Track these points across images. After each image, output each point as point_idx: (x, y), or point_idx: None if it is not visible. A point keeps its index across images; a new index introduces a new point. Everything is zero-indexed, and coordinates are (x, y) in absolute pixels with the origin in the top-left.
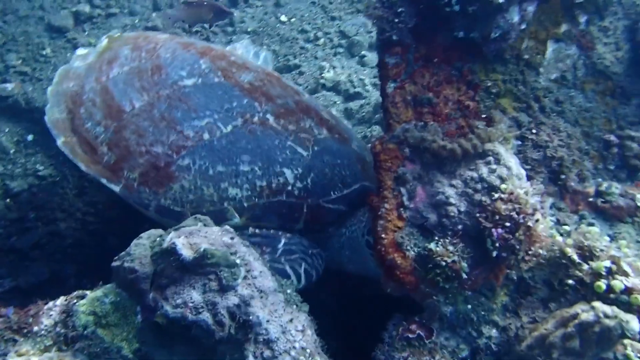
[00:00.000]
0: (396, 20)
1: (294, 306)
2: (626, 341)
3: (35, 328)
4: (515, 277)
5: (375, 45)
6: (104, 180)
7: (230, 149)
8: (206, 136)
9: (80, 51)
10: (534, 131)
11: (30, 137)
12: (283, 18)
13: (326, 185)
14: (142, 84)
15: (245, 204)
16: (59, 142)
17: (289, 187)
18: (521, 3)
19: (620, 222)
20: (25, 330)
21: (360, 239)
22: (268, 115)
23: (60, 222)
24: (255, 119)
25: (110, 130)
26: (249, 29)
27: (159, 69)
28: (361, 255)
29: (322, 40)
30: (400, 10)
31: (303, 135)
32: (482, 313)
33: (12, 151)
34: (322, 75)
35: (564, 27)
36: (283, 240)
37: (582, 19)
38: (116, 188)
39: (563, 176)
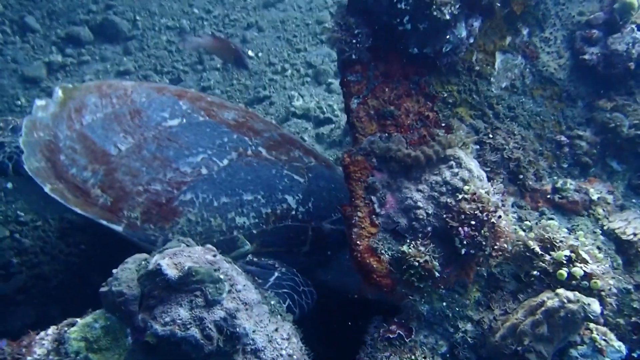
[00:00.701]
0: (354, 41)
1: (279, 316)
2: (592, 326)
3: (29, 358)
4: (485, 274)
5: (337, 65)
6: (104, 222)
7: (231, 181)
8: (204, 171)
9: (39, 102)
10: (490, 136)
11: (9, 185)
12: (250, 53)
13: (326, 208)
14: (123, 127)
15: (254, 231)
16: (47, 189)
17: (293, 212)
18: (467, 19)
19: (577, 215)
20: None
21: None
22: (260, 148)
23: (44, 265)
24: (249, 151)
25: (100, 174)
26: (218, 66)
27: (138, 112)
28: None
29: (289, 71)
30: (357, 31)
31: (296, 164)
32: (457, 309)
33: None
34: (292, 104)
35: (508, 40)
36: (276, 274)
37: (525, 31)
38: (119, 228)
39: (521, 176)
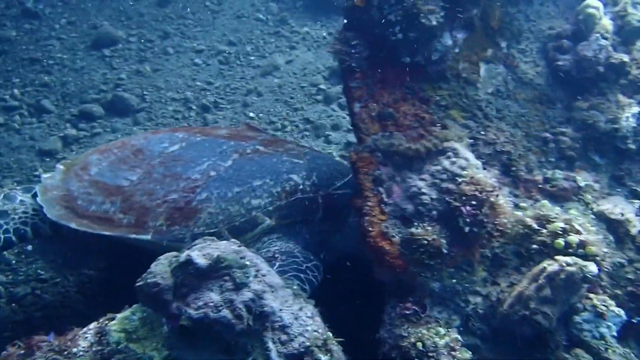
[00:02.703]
0: (352, 51)
1: (301, 299)
2: (592, 295)
3: (74, 349)
4: (489, 254)
5: (340, 73)
6: (133, 235)
7: (239, 175)
8: (213, 173)
9: (46, 174)
10: (482, 132)
11: (29, 247)
12: (251, 114)
13: (329, 178)
14: (129, 165)
15: (270, 208)
16: (74, 225)
17: (301, 186)
18: (451, 31)
19: (567, 201)
20: (66, 352)
21: None
22: (257, 146)
23: (64, 318)
24: (248, 150)
25: (118, 203)
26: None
27: (140, 151)
28: None
29: (289, 127)
30: (354, 43)
31: (292, 152)
32: (466, 285)
33: (13, 262)
34: None
35: (490, 51)
36: (277, 264)
37: (503, 44)
38: (147, 237)
39: (513, 168)
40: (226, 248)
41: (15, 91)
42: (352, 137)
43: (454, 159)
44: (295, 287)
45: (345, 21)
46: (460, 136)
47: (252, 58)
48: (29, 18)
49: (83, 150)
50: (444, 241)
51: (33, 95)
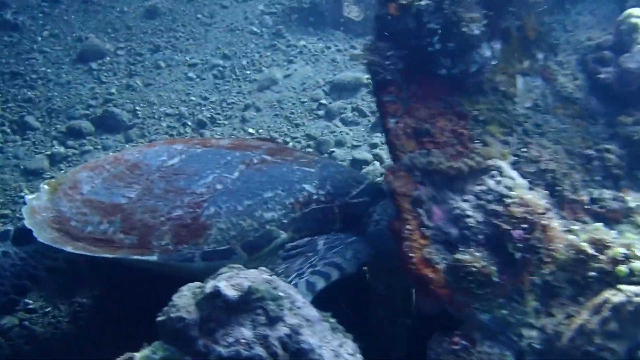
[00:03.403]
0: (387, 62)
1: (339, 333)
2: None
3: None
4: (540, 282)
5: (372, 87)
6: (137, 257)
7: (248, 187)
8: (219, 186)
9: (30, 196)
10: (523, 149)
11: None
12: (251, 130)
13: (344, 186)
14: (126, 181)
15: (285, 221)
16: (69, 249)
17: (315, 196)
18: (489, 41)
19: (617, 223)
20: None
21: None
22: (264, 156)
23: (57, 351)
24: (255, 160)
25: (117, 222)
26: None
27: (136, 165)
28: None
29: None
30: (389, 54)
31: (302, 160)
32: (518, 317)
33: None
34: None
35: (526, 63)
36: (321, 241)
37: (540, 55)
38: (153, 257)
39: (558, 187)
40: (256, 278)
41: None
42: (357, 154)
43: (499, 178)
44: (332, 321)
45: (378, 31)
46: (503, 153)
47: (248, 72)
48: (8, 30)
49: (72, 168)
50: (494, 268)
51: (16, 111)
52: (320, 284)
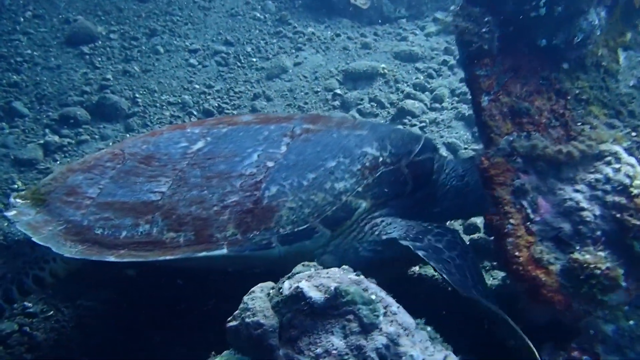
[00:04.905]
0: (483, 30)
1: (438, 343)
2: None
3: None
4: None
5: (461, 61)
6: (203, 253)
7: (304, 159)
8: (270, 163)
9: (10, 213)
10: (633, 134)
11: None
12: None
13: (405, 144)
14: (146, 176)
15: (360, 189)
16: (111, 259)
17: (380, 159)
18: (596, 7)
19: None
20: None
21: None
22: (304, 125)
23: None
24: (298, 131)
25: (159, 220)
26: None
27: (150, 157)
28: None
29: None
30: (486, 19)
31: (346, 124)
32: None
33: None
34: None
35: (629, 36)
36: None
37: None
38: (223, 251)
39: None
40: (342, 278)
41: None
42: None
43: (616, 165)
44: (429, 329)
45: None
46: (616, 137)
47: (254, 60)
48: None
49: (68, 159)
50: (620, 270)
51: (1, 97)
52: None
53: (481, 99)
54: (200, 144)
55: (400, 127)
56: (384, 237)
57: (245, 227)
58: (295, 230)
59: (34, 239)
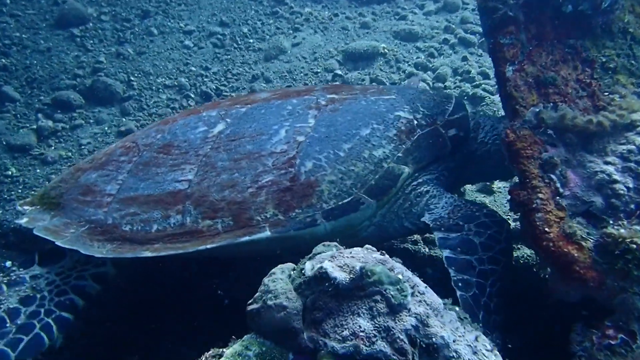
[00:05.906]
0: None
1: (468, 324)
2: None
3: None
4: None
5: (484, 30)
6: (245, 238)
7: (336, 129)
8: (301, 138)
9: (23, 220)
10: None
11: (8, 264)
12: None
13: (437, 104)
14: (168, 166)
15: (400, 154)
16: (147, 254)
17: (415, 122)
18: None
19: None
20: None
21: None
22: (328, 95)
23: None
24: (323, 102)
25: (191, 209)
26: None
27: (169, 145)
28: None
29: None
30: None
31: (371, 90)
32: None
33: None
34: None
35: None
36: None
37: None
38: (266, 233)
39: None
40: (367, 257)
41: None
42: None
43: None
44: (458, 309)
45: None
46: None
47: (251, 40)
48: None
49: (63, 144)
50: None
51: None
52: None
53: (505, 68)
54: (220, 127)
55: (430, 89)
56: (424, 218)
57: (285, 206)
58: (340, 203)
59: (57, 243)
